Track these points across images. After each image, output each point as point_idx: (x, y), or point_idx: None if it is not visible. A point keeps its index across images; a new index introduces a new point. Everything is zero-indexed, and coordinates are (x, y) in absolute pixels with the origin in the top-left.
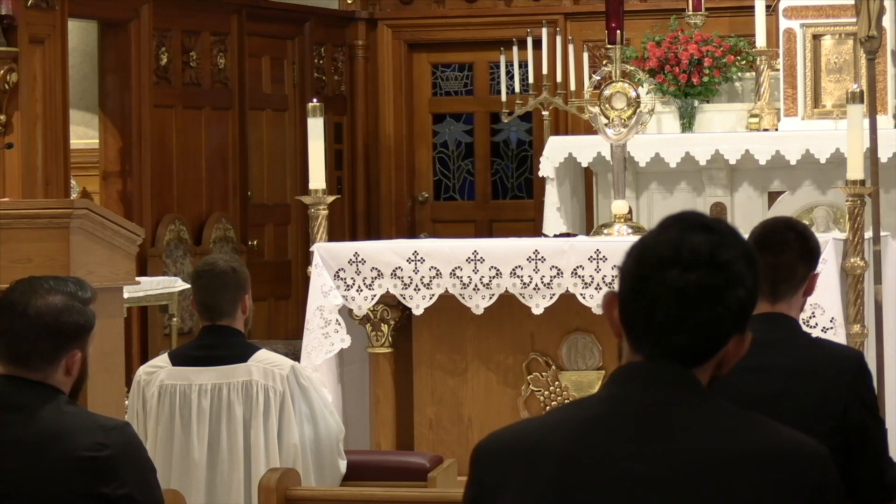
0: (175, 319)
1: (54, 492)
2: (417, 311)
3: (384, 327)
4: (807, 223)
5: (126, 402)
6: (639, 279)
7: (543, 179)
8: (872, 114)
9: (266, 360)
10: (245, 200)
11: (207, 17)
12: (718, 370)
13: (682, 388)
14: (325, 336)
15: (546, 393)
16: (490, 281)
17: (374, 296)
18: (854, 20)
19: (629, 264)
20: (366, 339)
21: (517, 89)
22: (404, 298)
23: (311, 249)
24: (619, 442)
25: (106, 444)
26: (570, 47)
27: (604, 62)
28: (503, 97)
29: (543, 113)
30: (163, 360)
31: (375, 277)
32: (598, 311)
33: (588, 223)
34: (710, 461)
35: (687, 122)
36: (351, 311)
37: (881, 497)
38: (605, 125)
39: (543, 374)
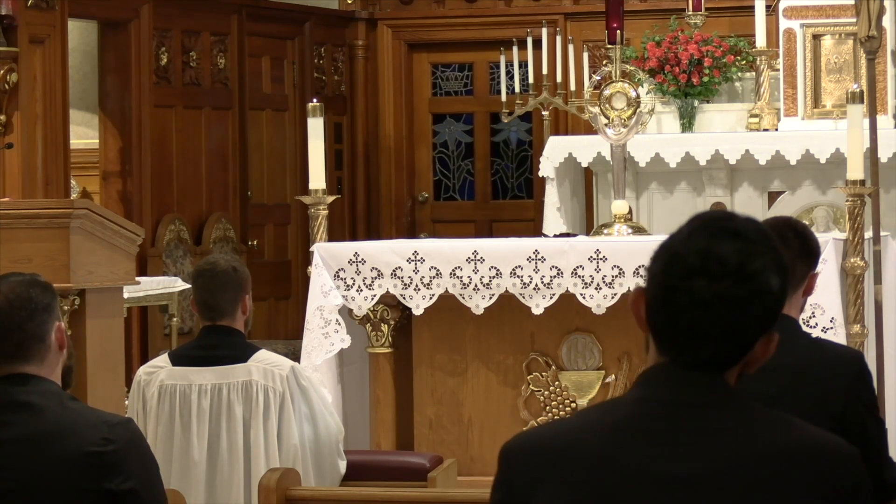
0: (175, 319)
1: (59, 488)
2: (417, 311)
3: (384, 327)
4: (807, 223)
5: (126, 402)
6: (666, 288)
7: (543, 179)
8: (872, 114)
9: (266, 361)
10: (245, 200)
11: (207, 17)
12: (745, 368)
13: (712, 390)
14: (325, 336)
15: (546, 393)
16: (490, 281)
17: (374, 296)
18: (854, 20)
19: (656, 269)
20: (366, 339)
21: (517, 89)
22: (404, 298)
23: (311, 249)
24: (653, 444)
25: (111, 439)
26: (570, 47)
27: (604, 62)
28: (503, 97)
29: (543, 113)
30: (163, 360)
31: (375, 277)
32: (598, 311)
33: (588, 223)
34: (745, 462)
35: (687, 122)
36: (351, 311)
37: (881, 497)
38: (605, 125)
39: (543, 374)
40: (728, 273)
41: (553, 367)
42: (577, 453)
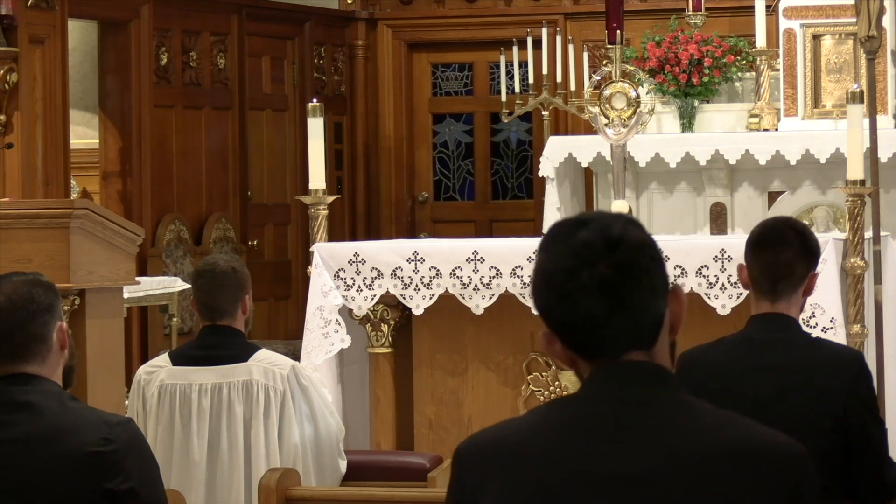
0: (175, 319)
1: (60, 488)
2: (417, 311)
3: (384, 327)
4: (807, 223)
5: (126, 402)
6: (560, 299)
7: (543, 179)
8: (872, 114)
9: (266, 360)
10: (245, 200)
11: (207, 17)
12: (672, 334)
13: (656, 385)
14: (325, 336)
15: (546, 393)
16: (490, 281)
17: (374, 296)
18: (854, 20)
19: (543, 297)
20: (366, 339)
21: (517, 89)
22: (404, 298)
23: (311, 249)
24: (598, 442)
25: (111, 439)
26: (570, 47)
27: (604, 62)
28: (503, 97)
29: (543, 113)
30: (163, 359)
31: (375, 277)
32: None
33: None
34: (689, 460)
35: (687, 122)
36: (351, 311)
37: (881, 497)
38: (605, 125)
39: (543, 374)
40: (598, 250)
41: (553, 367)
42: (524, 453)
